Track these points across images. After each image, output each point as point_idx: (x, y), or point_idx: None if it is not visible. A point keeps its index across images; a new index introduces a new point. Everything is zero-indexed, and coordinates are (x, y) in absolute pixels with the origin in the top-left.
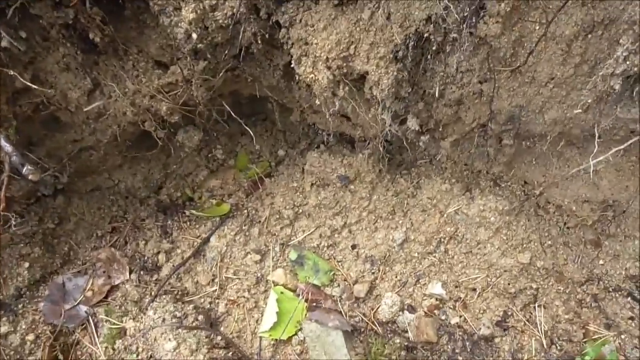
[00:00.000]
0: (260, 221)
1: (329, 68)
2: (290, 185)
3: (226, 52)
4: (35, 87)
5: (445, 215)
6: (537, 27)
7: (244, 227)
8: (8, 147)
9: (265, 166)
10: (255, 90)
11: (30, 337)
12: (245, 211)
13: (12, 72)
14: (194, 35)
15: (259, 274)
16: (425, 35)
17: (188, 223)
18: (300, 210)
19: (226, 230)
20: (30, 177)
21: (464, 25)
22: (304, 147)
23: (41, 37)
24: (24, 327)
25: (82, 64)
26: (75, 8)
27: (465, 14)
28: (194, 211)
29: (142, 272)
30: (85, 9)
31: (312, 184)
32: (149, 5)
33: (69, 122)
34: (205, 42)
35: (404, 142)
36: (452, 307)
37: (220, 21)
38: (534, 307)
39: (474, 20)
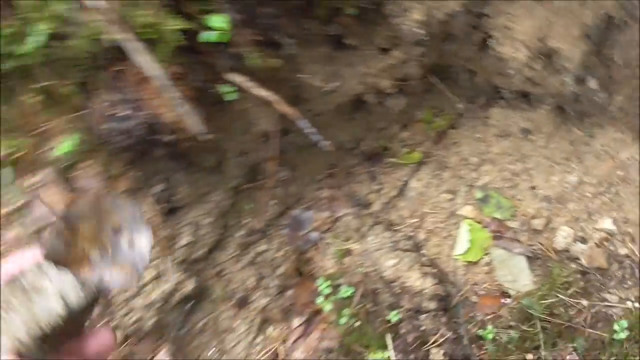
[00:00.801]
0: (449, 166)
1: (527, 47)
2: (474, 135)
3: (440, 39)
4: (302, 75)
5: (617, 161)
6: None
7: (436, 172)
8: (311, 130)
9: (449, 119)
10: (450, 61)
11: (279, 253)
12: (435, 158)
13: (302, 76)
14: (420, 31)
15: (450, 210)
16: (613, 15)
17: (389, 169)
18: (484, 157)
19: (422, 175)
20: (326, 149)
21: None
22: (483, 102)
23: (305, 42)
24: (274, 246)
25: (329, 57)
26: (340, 23)
27: None
28: (393, 159)
29: (358, 208)
30: (348, 21)
31: (494, 135)
32: (380, 9)
33: (309, 98)
34: (425, 35)
35: (581, 98)
36: (620, 240)
37: (440, 17)
38: None
39: None
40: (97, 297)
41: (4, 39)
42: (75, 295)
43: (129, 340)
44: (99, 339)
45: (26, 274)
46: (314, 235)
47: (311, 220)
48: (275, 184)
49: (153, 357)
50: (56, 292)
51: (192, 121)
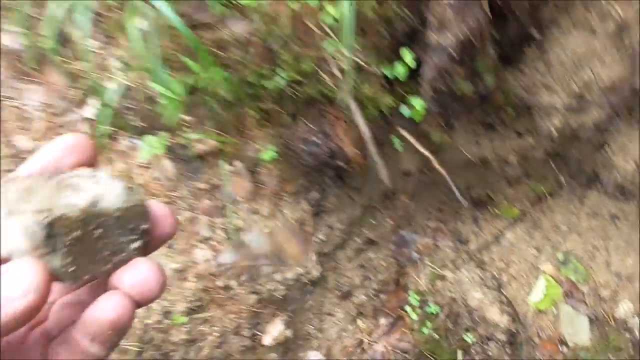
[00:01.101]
0: (541, 228)
1: (636, 163)
2: (568, 207)
3: (567, 138)
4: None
5: None
6: None
7: (529, 230)
8: (455, 187)
9: (550, 188)
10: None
11: (383, 263)
12: (531, 218)
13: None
14: (554, 132)
15: (533, 263)
16: None
17: (490, 217)
18: (573, 228)
19: (517, 229)
20: (465, 205)
21: None
22: (583, 182)
23: (466, 122)
24: (381, 256)
25: (476, 132)
26: (497, 115)
27: None
28: (495, 209)
29: (457, 243)
30: (504, 116)
31: (586, 212)
32: (529, 110)
33: (445, 151)
34: (557, 135)
35: None
36: None
37: (573, 126)
38: None
39: None
40: (144, 218)
41: (256, 75)
42: (112, 202)
43: (259, 304)
44: (139, 273)
45: (76, 175)
46: (415, 255)
47: (415, 243)
48: (398, 210)
49: (270, 321)
50: (93, 194)
51: (382, 172)
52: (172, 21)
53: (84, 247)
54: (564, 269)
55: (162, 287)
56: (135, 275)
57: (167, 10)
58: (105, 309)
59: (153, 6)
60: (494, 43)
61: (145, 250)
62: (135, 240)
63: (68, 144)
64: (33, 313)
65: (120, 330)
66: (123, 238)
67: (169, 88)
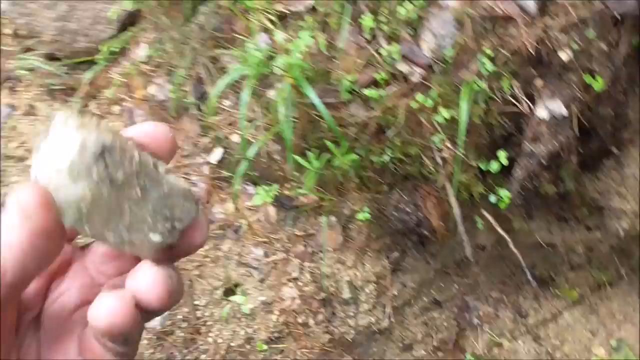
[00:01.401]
0: (597, 313)
1: None
2: (626, 298)
3: (631, 237)
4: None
5: None
6: None
7: (586, 314)
8: (527, 269)
9: (610, 277)
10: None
11: (445, 323)
12: (589, 303)
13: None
14: (621, 232)
15: (587, 345)
16: None
17: (550, 296)
18: (628, 318)
19: (574, 311)
20: (533, 285)
21: None
22: None
23: (544, 213)
24: (444, 317)
25: (549, 221)
26: (572, 212)
27: None
28: (555, 290)
29: (517, 315)
30: (579, 213)
31: None
32: (600, 208)
33: (518, 232)
34: (623, 234)
35: None
36: None
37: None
38: None
39: None
40: (184, 216)
41: (366, 150)
42: (168, 177)
43: (330, 344)
44: (139, 281)
45: (150, 157)
46: (476, 321)
47: (477, 309)
48: (467, 278)
49: None
50: (157, 162)
51: (467, 248)
52: (318, 108)
53: (110, 197)
54: (616, 354)
55: (164, 303)
56: (137, 282)
57: (314, 97)
58: (100, 314)
59: (295, 86)
60: (578, 154)
61: (161, 256)
62: (160, 232)
63: (149, 130)
64: (39, 249)
65: (118, 336)
66: (151, 219)
67: (307, 159)
